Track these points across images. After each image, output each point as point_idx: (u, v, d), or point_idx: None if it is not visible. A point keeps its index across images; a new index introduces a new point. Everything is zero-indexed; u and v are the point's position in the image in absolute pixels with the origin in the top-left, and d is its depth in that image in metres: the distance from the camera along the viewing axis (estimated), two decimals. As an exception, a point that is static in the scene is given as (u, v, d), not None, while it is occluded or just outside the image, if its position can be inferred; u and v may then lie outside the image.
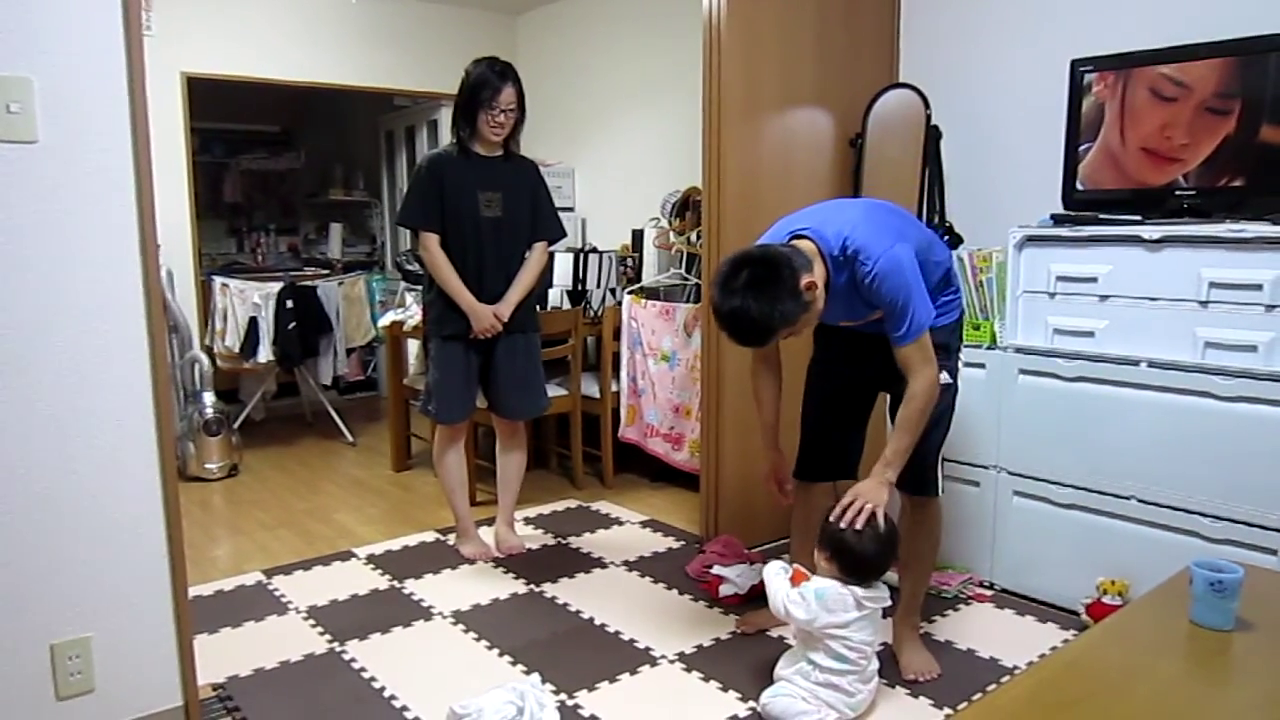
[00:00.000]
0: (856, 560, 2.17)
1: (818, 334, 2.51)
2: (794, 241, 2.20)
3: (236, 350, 4.84)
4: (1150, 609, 1.79)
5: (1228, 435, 2.43)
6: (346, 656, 2.59)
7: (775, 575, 2.25)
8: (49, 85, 1.91)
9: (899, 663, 2.46)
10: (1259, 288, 2.41)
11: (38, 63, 1.90)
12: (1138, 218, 2.67)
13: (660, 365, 4.02)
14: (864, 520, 2.14)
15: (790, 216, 2.32)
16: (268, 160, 6.91)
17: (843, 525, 2.16)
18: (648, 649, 2.62)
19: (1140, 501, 2.62)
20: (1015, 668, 2.49)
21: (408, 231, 3.45)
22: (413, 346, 4.56)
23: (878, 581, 2.23)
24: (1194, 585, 1.65)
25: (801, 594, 2.17)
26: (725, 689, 2.39)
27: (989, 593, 2.96)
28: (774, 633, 2.68)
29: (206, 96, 4.99)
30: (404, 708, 2.31)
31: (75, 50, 1.94)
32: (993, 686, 2.37)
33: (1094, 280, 2.73)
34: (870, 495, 2.18)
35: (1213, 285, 2.50)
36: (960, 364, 2.47)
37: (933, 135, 3.34)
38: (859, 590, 2.17)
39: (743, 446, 3.34)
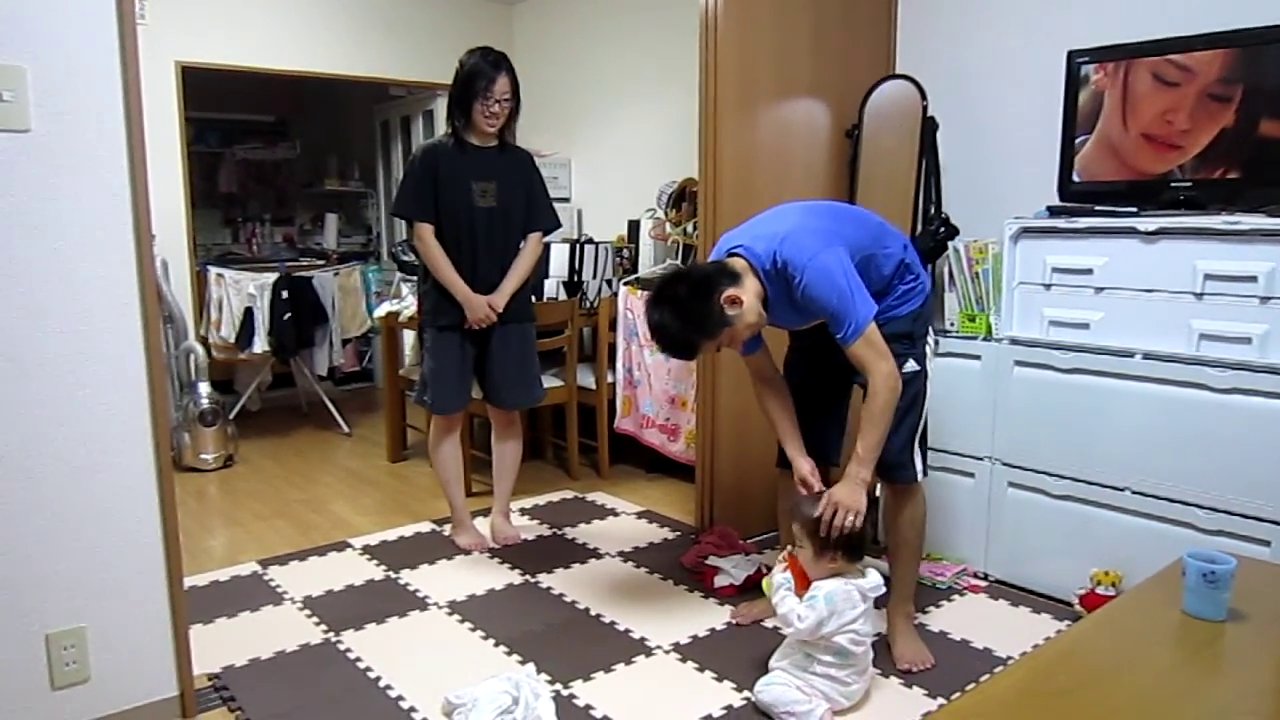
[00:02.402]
0: (858, 541, 2.21)
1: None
2: (729, 258, 2.28)
3: (232, 341, 4.83)
4: (1143, 600, 1.80)
5: (1222, 427, 2.44)
6: (342, 647, 2.60)
7: (782, 592, 2.20)
8: (42, 74, 1.90)
9: (892, 652, 2.47)
10: (1254, 280, 2.41)
11: (30, 51, 1.89)
12: (1133, 209, 2.67)
13: (656, 356, 4.01)
14: (846, 526, 2.17)
15: (731, 232, 2.40)
16: (263, 150, 6.89)
17: (823, 534, 2.18)
18: (643, 639, 2.62)
19: (1134, 493, 2.62)
20: (1009, 658, 2.50)
21: (403, 222, 3.43)
22: (408, 337, 4.55)
23: (872, 571, 2.24)
24: (1187, 576, 1.65)
25: (811, 604, 2.14)
26: (720, 679, 2.40)
27: (983, 584, 2.97)
28: (769, 623, 2.68)
29: (201, 86, 4.97)
30: (399, 697, 2.32)
31: (68, 39, 1.93)
32: (986, 677, 2.38)
33: (1089, 272, 2.73)
34: (847, 500, 2.19)
35: (1208, 277, 2.50)
36: (931, 349, 2.47)
37: (929, 127, 3.33)
38: (863, 584, 2.19)
39: (738, 438, 3.34)
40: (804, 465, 2.40)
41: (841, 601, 2.15)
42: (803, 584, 2.21)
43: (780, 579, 2.23)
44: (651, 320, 2.21)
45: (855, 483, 2.21)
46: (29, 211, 1.92)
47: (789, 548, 2.30)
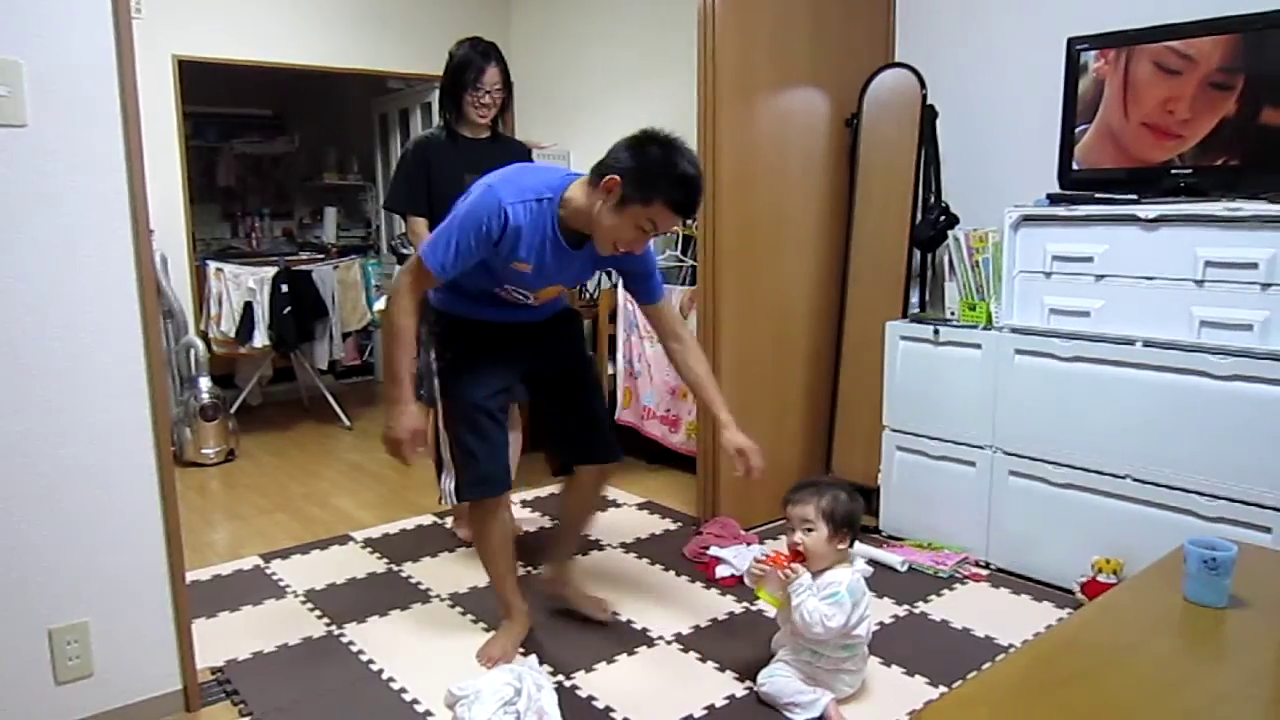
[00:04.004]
0: (858, 521, 2.22)
1: (483, 334, 2.40)
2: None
3: (232, 335, 4.83)
4: (1145, 587, 1.80)
5: (1223, 414, 2.44)
6: (345, 639, 2.60)
7: (804, 594, 2.11)
8: (38, 68, 1.90)
9: (581, 608, 2.67)
10: (1254, 266, 2.41)
11: (26, 46, 1.88)
12: (1134, 197, 2.66)
13: (656, 348, 4.01)
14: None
15: (529, 171, 2.31)
16: (261, 144, 6.87)
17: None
18: (645, 630, 2.63)
19: (1135, 480, 2.62)
20: (1011, 646, 2.50)
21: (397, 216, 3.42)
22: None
23: (857, 557, 2.27)
24: (1188, 563, 1.65)
25: (837, 601, 2.10)
26: (722, 669, 2.40)
27: (985, 572, 2.97)
28: (769, 613, 2.69)
29: (199, 80, 4.95)
30: (402, 690, 2.32)
31: (64, 33, 1.92)
32: (988, 665, 2.38)
33: (1090, 260, 2.72)
34: (750, 444, 2.32)
35: (1208, 264, 2.49)
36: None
37: (929, 115, 3.33)
38: (866, 569, 2.22)
39: (739, 429, 3.33)
40: (738, 440, 2.35)
41: (858, 590, 2.15)
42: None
43: (805, 580, 2.12)
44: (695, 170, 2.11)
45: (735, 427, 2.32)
46: (26, 207, 1.92)
47: (783, 537, 2.26)
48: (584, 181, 2.18)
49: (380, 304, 4.64)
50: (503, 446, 2.36)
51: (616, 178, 2.07)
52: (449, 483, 2.40)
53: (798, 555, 2.17)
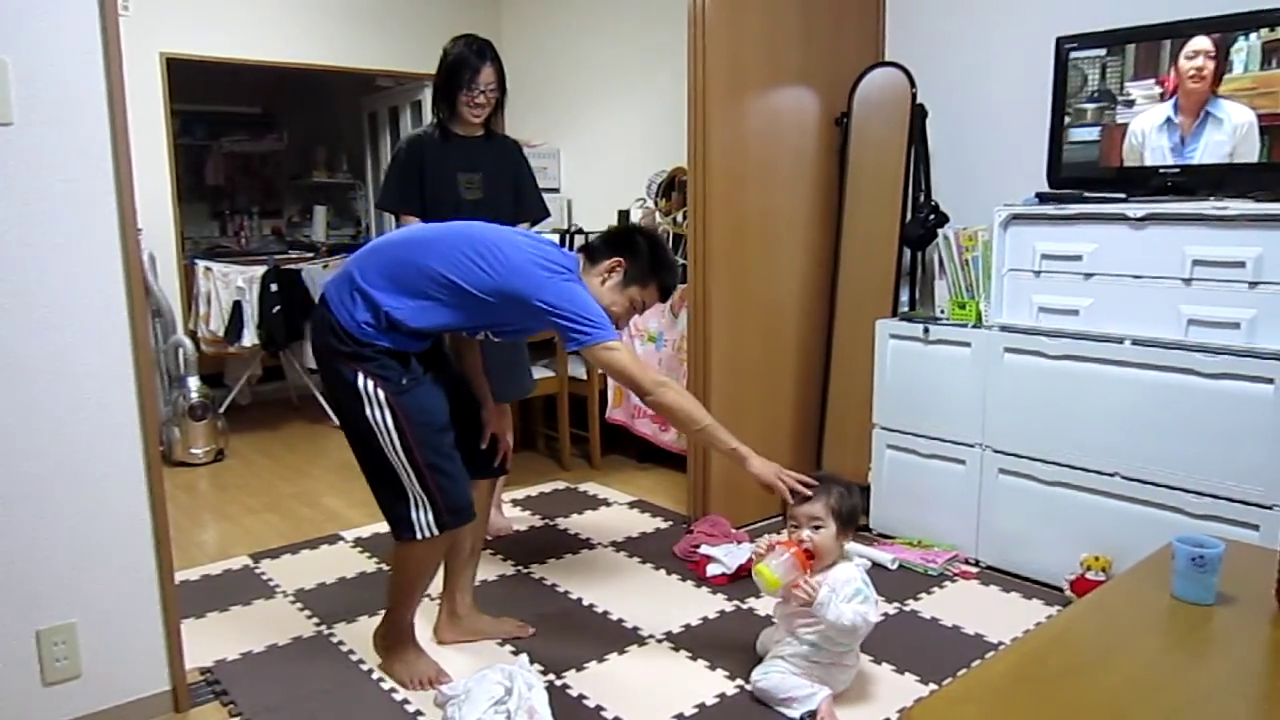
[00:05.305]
0: (858, 518, 2.25)
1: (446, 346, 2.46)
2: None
3: (221, 334, 4.81)
4: (1133, 584, 1.81)
5: (1210, 412, 2.45)
6: (335, 639, 2.59)
7: (833, 604, 2.10)
8: (23, 66, 1.89)
9: (491, 632, 2.59)
10: (1242, 265, 2.42)
11: (11, 43, 1.87)
12: (1122, 196, 2.68)
13: (647, 346, 4.02)
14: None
15: (518, 237, 2.30)
16: (250, 142, 6.84)
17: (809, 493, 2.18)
18: (636, 629, 2.63)
19: (1124, 478, 2.64)
20: (1000, 643, 2.51)
21: (390, 215, 3.40)
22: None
23: (853, 554, 2.30)
24: (1176, 560, 1.66)
25: (863, 596, 2.12)
26: (713, 667, 2.40)
27: (974, 570, 2.98)
28: (761, 611, 2.69)
29: (187, 77, 4.93)
30: (392, 690, 2.31)
31: (50, 30, 1.91)
32: (978, 662, 2.39)
33: (1079, 258, 2.73)
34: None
35: (1196, 263, 2.51)
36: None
37: (918, 114, 3.33)
38: (865, 561, 2.28)
39: (729, 428, 3.32)
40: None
41: (869, 583, 2.18)
42: (806, 569, 2.15)
43: (825, 595, 2.11)
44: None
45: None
46: (11, 205, 1.90)
47: (786, 534, 2.24)
48: (580, 260, 2.33)
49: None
50: (464, 468, 2.29)
51: (621, 260, 2.29)
52: (423, 515, 2.20)
53: (808, 555, 2.14)
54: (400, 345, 2.17)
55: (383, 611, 2.42)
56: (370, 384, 2.13)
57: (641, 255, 2.31)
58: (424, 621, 2.51)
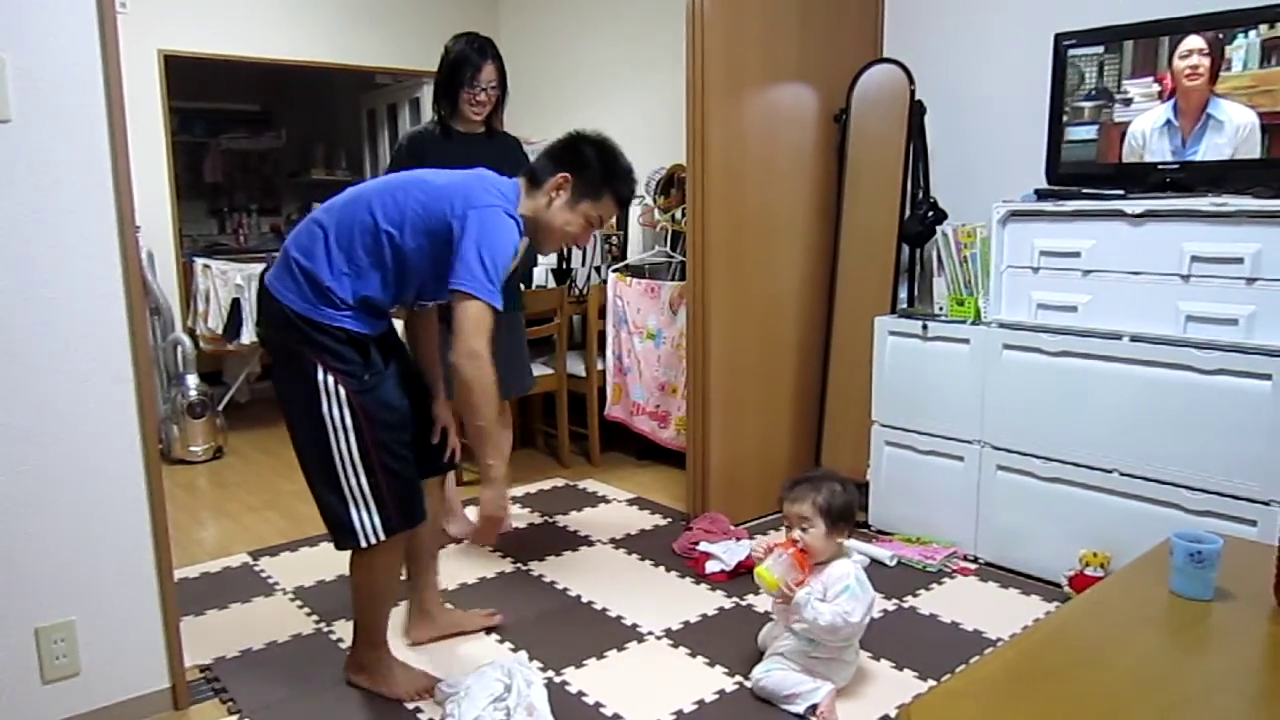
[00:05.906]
0: (853, 514, 2.24)
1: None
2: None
3: (219, 332, 4.80)
4: (1131, 580, 1.81)
5: (1208, 408, 2.45)
6: (334, 637, 2.59)
7: (813, 603, 2.11)
8: (21, 63, 1.88)
9: (465, 625, 2.57)
10: (1240, 261, 2.42)
11: (9, 40, 1.87)
12: (1120, 192, 2.68)
13: (646, 343, 4.02)
14: None
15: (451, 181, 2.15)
16: (248, 140, 6.83)
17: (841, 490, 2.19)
18: (635, 626, 2.63)
19: (1122, 474, 2.64)
20: (999, 639, 2.51)
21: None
22: (396, 325, 4.52)
23: (853, 551, 2.28)
24: (1174, 556, 1.66)
25: (852, 596, 2.11)
26: (712, 664, 2.41)
27: (973, 566, 2.98)
28: (760, 608, 2.69)
29: (185, 74, 4.92)
30: (392, 687, 2.31)
31: (47, 27, 1.91)
32: (977, 658, 2.39)
33: (1077, 255, 2.73)
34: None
35: (1194, 259, 2.51)
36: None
37: (917, 110, 3.33)
38: (863, 558, 2.26)
39: (728, 424, 3.34)
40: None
41: (864, 579, 2.18)
42: (804, 567, 2.17)
43: (803, 595, 2.13)
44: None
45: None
46: (9, 203, 1.90)
47: (784, 533, 2.25)
48: (521, 186, 2.19)
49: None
50: (415, 469, 2.19)
51: (567, 175, 2.14)
52: (366, 517, 2.08)
53: (802, 554, 2.16)
54: (360, 327, 2.04)
55: (353, 634, 2.31)
56: (331, 379, 2.01)
57: (590, 166, 2.14)
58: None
